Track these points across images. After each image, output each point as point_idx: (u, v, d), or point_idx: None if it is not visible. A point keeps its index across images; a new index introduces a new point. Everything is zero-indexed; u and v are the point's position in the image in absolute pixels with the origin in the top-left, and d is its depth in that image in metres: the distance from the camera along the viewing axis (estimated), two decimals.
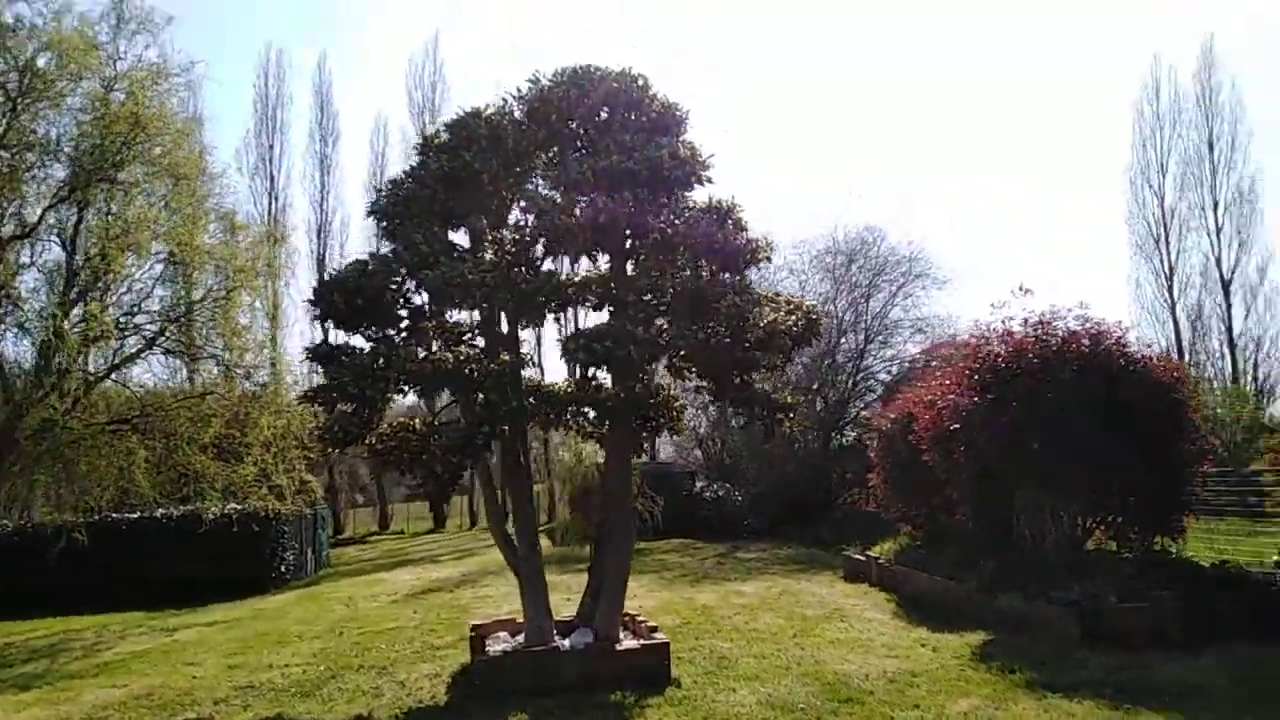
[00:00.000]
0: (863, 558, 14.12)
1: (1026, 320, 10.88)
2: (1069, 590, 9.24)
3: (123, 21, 14.04)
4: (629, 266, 8.19)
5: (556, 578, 11.01)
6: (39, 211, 13.09)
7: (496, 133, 8.12)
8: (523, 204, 8.34)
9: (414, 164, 8.36)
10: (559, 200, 7.77)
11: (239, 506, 15.51)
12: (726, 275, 8.11)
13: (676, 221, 7.82)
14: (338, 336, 9.45)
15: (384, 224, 8.24)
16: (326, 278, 7.72)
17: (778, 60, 64.31)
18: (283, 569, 17.62)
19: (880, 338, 25.21)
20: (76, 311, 12.46)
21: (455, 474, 7.23)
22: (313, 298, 7.68)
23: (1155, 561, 10.03)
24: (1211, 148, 32.22)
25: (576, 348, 7.22)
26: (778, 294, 8.60)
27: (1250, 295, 31.38)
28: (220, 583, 15.72)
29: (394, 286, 7.69)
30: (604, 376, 8.51)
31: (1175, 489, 10.22)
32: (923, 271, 25.34)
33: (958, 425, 10.70)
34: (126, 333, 12.97)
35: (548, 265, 8.40)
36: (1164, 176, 32.97)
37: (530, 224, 8.06)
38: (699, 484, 25.41)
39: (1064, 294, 46.70)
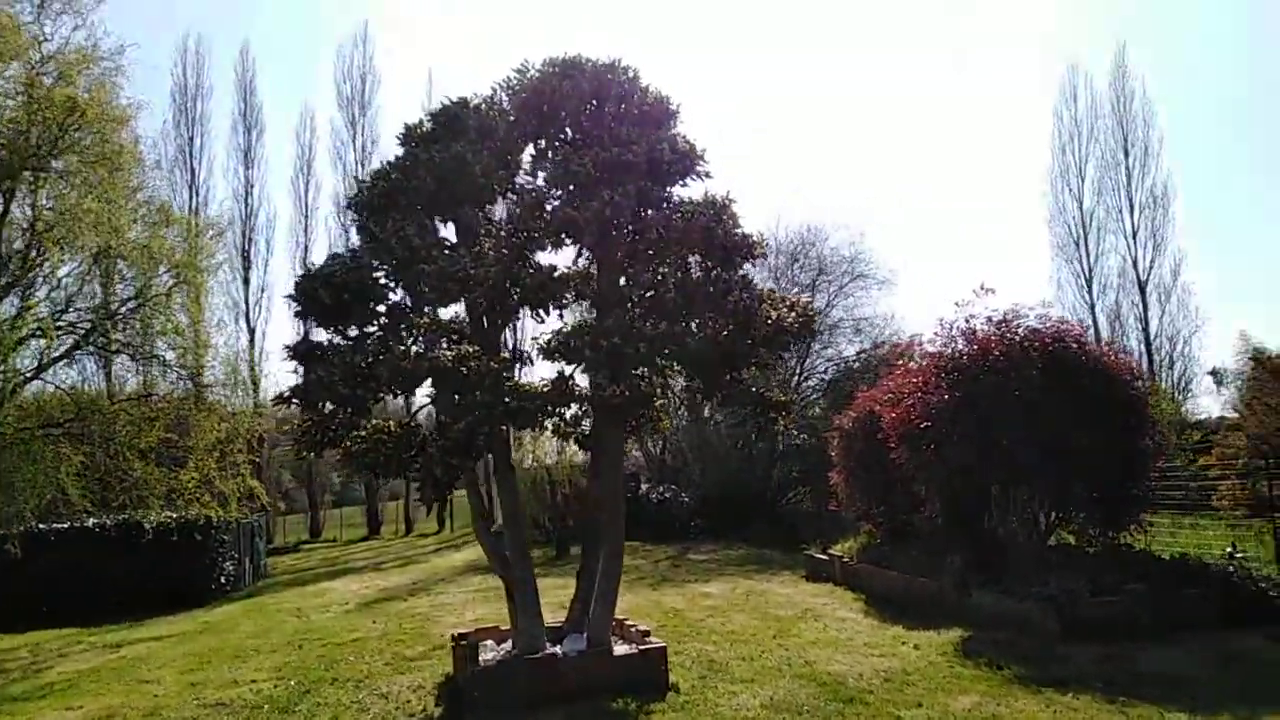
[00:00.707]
0: (825, 556, 14.15)
1: (990, 319, 11.06)
2: (1044, 585, 9.41)
3: (46, 1, 13.23)
4: (627, 261, 7.95)
5: None
6: None
7: (486, 123, 7.82)
8: (513, 197, 8.04)
9: (398, 155, 7.94)
10: (557, 193, 7.50)
11: (175, 515, 14.69)
12: (716, 271, 7.97)
13: (674, 216, 7.65)
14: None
15: (364, 216, 7.82)
16: (308, 271, 7.28)
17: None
18: (222, 580, 16.78)
19: (823, 338, 25.48)
20: (6, 306, 11.60)
21: (455, 476, 6.90)
22: (294, 293, 7.24)
23: (1118, 556, 10.33)
24: (1126, 153, 33.53)
25: (583, 345, 6.92)
26: (772, 290, 8.49)
27: (1164, 296, 32.48)
28: (158, 595, 14.88)
29: (380, 281, 7.31)
30: (580, 374, 8.23)
31: (1137, 484, 10.54)
32: (863, 272, 25.84)
33: (928, 423, 10.80)
34: (61, 330, 12.12)
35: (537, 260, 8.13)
36: (1083, 181, 34.22)
37: (522, 216, 7.75)
38: (643, 486, 25.25)
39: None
